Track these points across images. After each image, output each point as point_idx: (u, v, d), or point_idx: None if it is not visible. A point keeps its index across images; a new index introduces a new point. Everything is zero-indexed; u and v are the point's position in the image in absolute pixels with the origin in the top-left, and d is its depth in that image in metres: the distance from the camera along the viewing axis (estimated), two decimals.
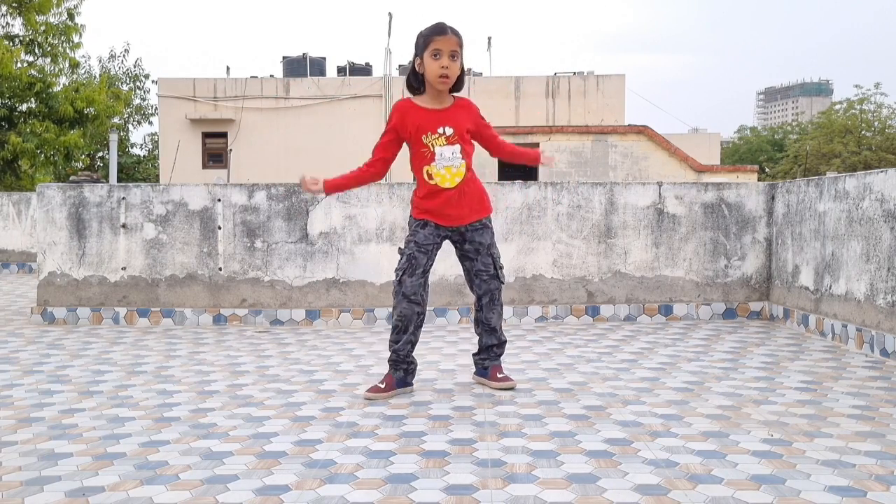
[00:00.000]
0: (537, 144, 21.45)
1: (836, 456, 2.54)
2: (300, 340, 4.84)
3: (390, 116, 3.38)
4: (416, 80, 3.38)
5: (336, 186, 3.47)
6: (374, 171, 3.41)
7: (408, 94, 3.45)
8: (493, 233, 3.47)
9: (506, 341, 3.60)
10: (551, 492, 2.24)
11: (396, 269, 3.38)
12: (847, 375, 3.75)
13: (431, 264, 3.41)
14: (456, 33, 3.30)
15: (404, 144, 3.41)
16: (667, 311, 5.55)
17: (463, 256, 3.47)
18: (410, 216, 3.45)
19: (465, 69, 3.41)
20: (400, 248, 3.40)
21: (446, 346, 4.53)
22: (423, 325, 3.50)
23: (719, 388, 3.48)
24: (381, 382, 3.40)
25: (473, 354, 3.65)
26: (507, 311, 5.48)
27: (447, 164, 3.31)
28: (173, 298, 5.56)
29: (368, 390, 3.37)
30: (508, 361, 4.11)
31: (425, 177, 3.34)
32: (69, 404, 3.30)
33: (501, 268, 3.49)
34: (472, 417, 3.04)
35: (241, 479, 2.36)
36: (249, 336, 5.03)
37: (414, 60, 3.34)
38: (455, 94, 3.43)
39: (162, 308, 5.55)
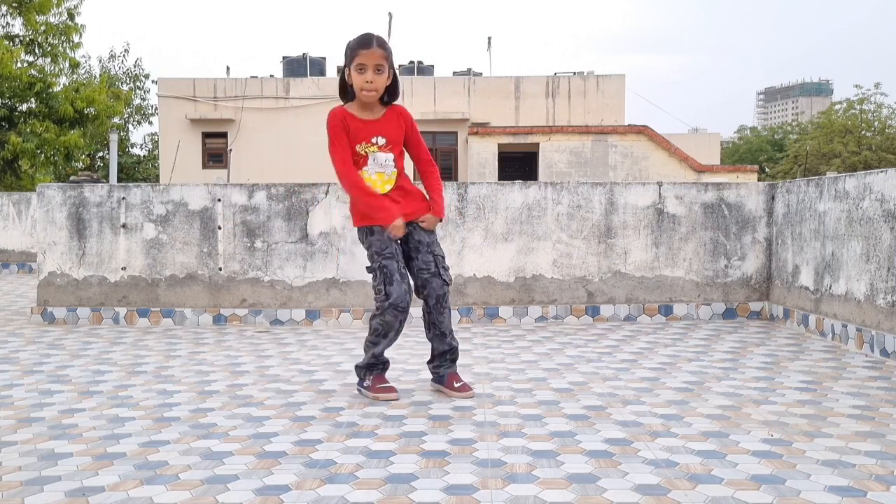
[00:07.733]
0: (537, 144, 21.49)
1: (836, 456, 2.54)
2: (300, 340, 4.85)
3: (330, 125, 3.33)
4: (344, 92, 3.41)
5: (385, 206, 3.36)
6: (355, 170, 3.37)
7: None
8: (433, 233, 3.43)
9: (457, 346, 3.48)
10: (551, 492, 2.24)
11: (376, 286, 3.31)
12: (847, 375, 3.75)
13: (403, 264, 3.36)
14: (382, 45, 3.28)
15: None
16: (667, 311, 5.55)
17: (406, 257, 3.41)
18: (356, 228, 3.41)
19: (397, 77, 3.39)
20: (367, 267, 3.38)
21: None
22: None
23: (719, 388, 3.48)
24: (380, 383, 3.37)
25: (427, 362, 3.55)
26: (507, 311, 5.49)
27: (379, 170, 3.35)
28: (173, 298, 5.56)
29: (378, 391, 3.34)
30: (509, 361, 4.11)
31: None
32: (69, 404, 3.30)
33: (446, 269, 3.42)
34: (472, 417, 3.04)
35: (241, 479, 2.36)
36: (249, 336, 5.03)
37: (344, 71, 3.36)
38: (391, 103, 3.43)
39: (162, 308, 5.55)
